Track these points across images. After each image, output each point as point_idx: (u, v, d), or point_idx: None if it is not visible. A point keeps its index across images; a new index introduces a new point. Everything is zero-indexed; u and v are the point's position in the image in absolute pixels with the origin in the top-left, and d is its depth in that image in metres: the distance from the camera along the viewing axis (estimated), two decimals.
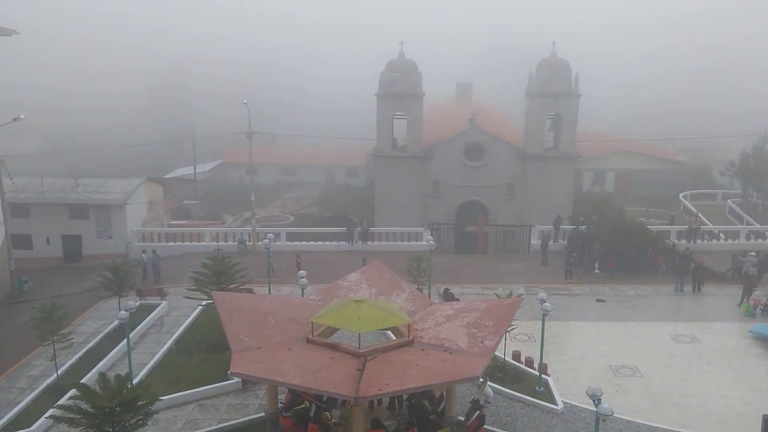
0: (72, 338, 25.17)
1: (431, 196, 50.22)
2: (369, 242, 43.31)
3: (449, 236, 45.30)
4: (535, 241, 42.64)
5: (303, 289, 26.80)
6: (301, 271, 27.40)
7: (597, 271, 37.88)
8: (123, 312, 23.78)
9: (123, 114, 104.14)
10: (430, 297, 27.82)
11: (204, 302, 28.42)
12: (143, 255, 38.30)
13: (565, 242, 41.34)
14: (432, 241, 32.52)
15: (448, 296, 30.94)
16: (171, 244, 42.74)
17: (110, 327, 28.52)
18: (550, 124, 51.25)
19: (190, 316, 29.33)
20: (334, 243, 43.47)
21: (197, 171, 71.34)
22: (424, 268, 31.12)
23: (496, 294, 26.21)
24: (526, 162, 49.59)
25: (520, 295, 28.73)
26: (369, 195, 56.08)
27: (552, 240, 42.30)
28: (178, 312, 30.58)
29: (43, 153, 73.09)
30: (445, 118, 57.75)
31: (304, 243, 43.21)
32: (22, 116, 36.53)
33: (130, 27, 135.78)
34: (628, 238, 37.86)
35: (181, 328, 28.04)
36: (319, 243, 43.50)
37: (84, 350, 26.24)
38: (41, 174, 44.23)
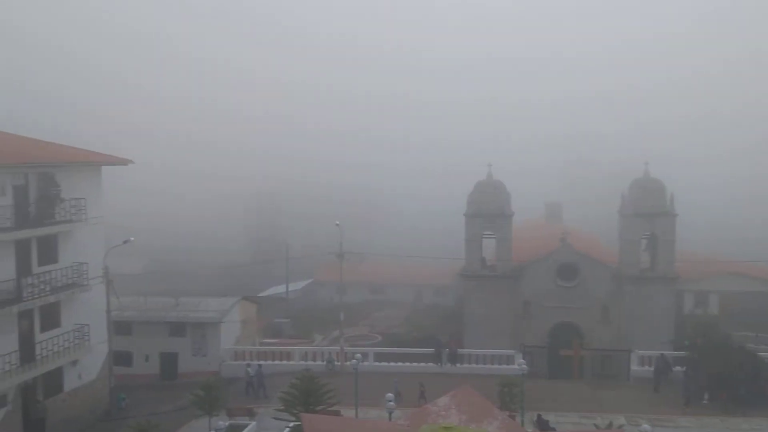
0: None
1: (522, 317, 49.02)
2: (458, 364, 42.32)
3: (542, 360, 43.70)
4: (636, 367, 40.43)
5: (390, 414, 26.27)
6: (389, 394, 27.00)
7: (705, 401, 35.25)
8: None
9: (220, 236, 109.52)
10: (523, 425, 26.60)
11: (292, 424, 28.26)
12: (248, 369, 39.05)
13: (682, 368, 38.59)
14: (524, 365, 31.49)
15: (542, 425, 29.49)
16: (262, 362, 43.21)
17: None
18: (645, 245, 49.79)
19: None
20: (422, 364, 42.71)
21: (289, 290, 72.93)
22: (516, 393, 29.97)
23: (594, 425, 24.82)
24: (621, 283, 47.98)
25: (621, 426, 27.02)
26: (458, 315, 55.37)
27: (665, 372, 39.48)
28: None
29: (149, 273, 77.17)
30: (535, 237, 57.28)
31: (392, 364, 42.68)
32: (132, 238, 39.18)
33: (226, 150, 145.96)
34: (739, 365, 35.30)
35: None
36: (407, 364, 42.83)
37: None
38: (145, 293, 46.53)
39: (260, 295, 67.85)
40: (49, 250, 32.70)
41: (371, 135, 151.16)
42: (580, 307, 48.15)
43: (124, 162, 38.11)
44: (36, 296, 30.72)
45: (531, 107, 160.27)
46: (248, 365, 39.70)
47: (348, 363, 40.04)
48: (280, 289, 74.60)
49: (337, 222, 43.37)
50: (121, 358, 41.73)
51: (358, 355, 35.66)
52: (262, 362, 41.20)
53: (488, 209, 49.15)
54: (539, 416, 30.59)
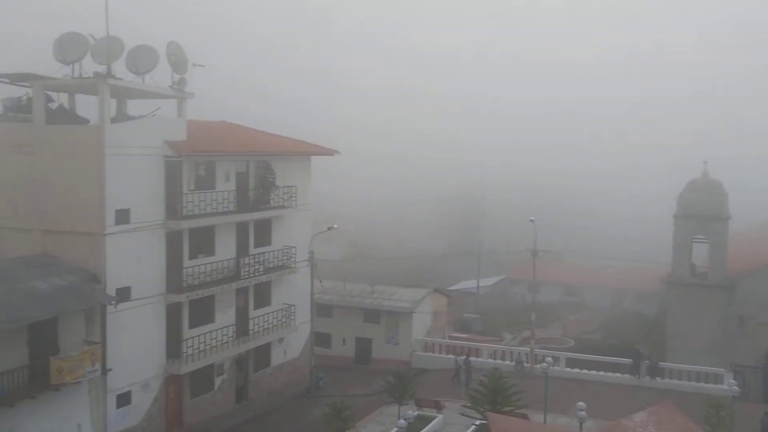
0: None
1: (735, 333, 44.56)
2: (657, 378, 39.54)
3: (757, 382, 39.45)
4: None
5: (581, 423, 25.26)
6: (580, 403, 25.95)
7: None
8: (402, 421, 24.76)
9: (417, 226, 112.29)
10: None
11: (478, 421, 28.23)
12: (457, 359, 40.26)
13: None
14: (735, 386, 28.67)
15: None
16: (449, 356, 43.68)
17: None
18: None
19: None
20: (618, 375, 40.49)
21: (480, 285, 72.89)
22: (724, 416, 27.31)
23: None
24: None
25: None
26: (660, 325, 51.82)
27: None
28: (452, 428, 30.75)
29: (348, 260, 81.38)
30: (754, 246, 51.83)
31: (584, 371, 40.97)
32: (336, 225, 41.45)
33: (429, 139, 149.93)
34: None
35: None
36: (601, 373, 40.82)
37: None
38: (344, 279, 49.04)
39: (451, 288, 68.57)
40: (264, 233, 35.68)
41: (573, 140, 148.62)
42: None
43: (331, 153, 40.41)
44: (252, 275, 33.66)
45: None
46: (456, 357, 40.84)
47: (538, 366, 39.15)
48: (470, 283, 74.87)
49: (532, 218, 42.38)
50: (321, 339, 44.43)
51: (549, 359, 34.70)
52: (436, 356, 42.11)
53: (702, 210, 45.36)
54: None
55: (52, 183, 27.41)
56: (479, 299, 69.82)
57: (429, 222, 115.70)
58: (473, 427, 29.28)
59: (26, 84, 28.72)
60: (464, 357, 40.49)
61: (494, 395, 27.20)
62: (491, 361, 41.65)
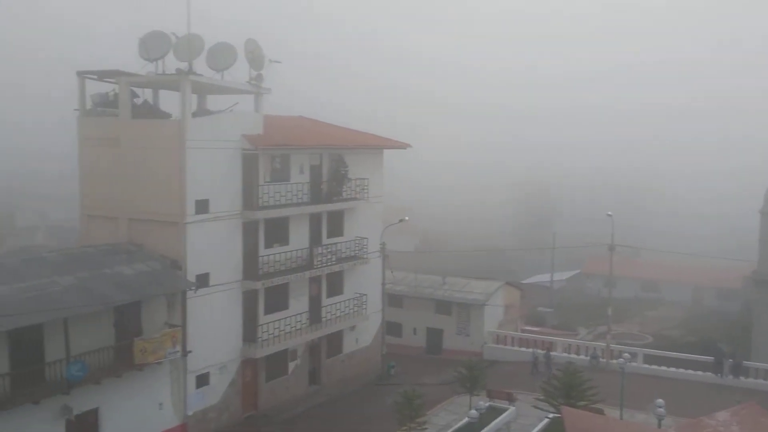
0: (426, 428, 26.83)
1: None
2: (741, 377, 37.91)
3: None
4: None
5: (660, 420, 24.57)
6: (659, 400, 25.24)
7: None
8: (473, 411, 24.75)
9: (489, 219, 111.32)
10: None
11: (551, 415, 27.86)
12: (534, 351, 40.36)
13: None
14: None
15: None
16: (522, 349, 43.21)
17: (460, 423, 29.52)
18: None
19: (536, 426, 28.87)
20: (699, 373, 39.04)
21: (554, 279, 71.66)
22: None
23: None
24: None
25: None
26: (745, 323, 49.64)
27: None
28: (525, 420, 30.45)
29: (420, 251, 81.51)
30: None
31: (663, 368, 39.74)
32: (407, 218, 41.60)
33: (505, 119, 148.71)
34: None
35: None
36: (680, 370, 39.49)
37: None
38: (415, 270, 49.20)
39: (524, 281, 67.72)
40: (336, 224, 36.24)
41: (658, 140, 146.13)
42: None
43: (403, 146, 40.53)
44: (324, 264, 34.27)
45: None
46: (533, 350, 40.85)
47: (614, 361, 38.24)
48: (544, 277, 73.71)
49: (609, 212, 41.32)
50: (392, 328, 44.80)
51: (626, 354, 33.83)
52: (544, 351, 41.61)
53: None
54: None
55: (137, 174, 28.71)
56: (553, 293, 68.67)
57: (501, 209, 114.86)
58: (546, 420, 28.91)
59: (113, 80, 30.16)
60: (545, 351, 40.13)
61: (568, 389, 26.76)
62: (565, 355, 40.97)
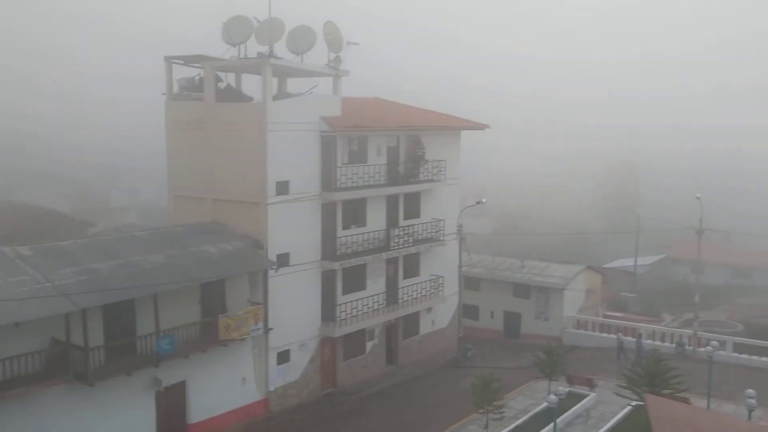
0: (504, 411, 26.64)
1: None
2: None
3: None
4: None
5: (750, 412, 23.51)
6: (750, 390, 24.11)
7: None
8: (552, 396, 24.37)
9: (571, 201, 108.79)
10: None
11: (633, 403, 27.12)
12: (618, 336, 39.56)
13: None
14: None
15: None
16: (604, 335, 42.16)
17: (538, 408, 29.24)
18: None
19: (617, 414, 28.24)
20: None
21: (638, 264, 69.44)
22: None
23: None
24: None
25: None
26: None
27: None
28: (605, 407, 29.78)
29: (497, 234, 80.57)
30: None
31: (754, 357, 37.94)
32: (484, 200, 41.15)
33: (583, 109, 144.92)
34: None
35: (607, 426, 27.14)
36: None
37: (512, 426, 27.40)
38: (493, 253, 48.69)
39: (606, 266, 65.86)
40: (413, 206, 36.22)
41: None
42: None
43: (481, 127, 39.97)
44: (401, 246, 34.38)
45: None
46: (618, 335, 39.97)
47: (701, 349, 36.82)
48: (627, 262, 71.53)
49: (698, 195, 39.54)
50: (468, 311, 44.59)
51: (715, 342, 32.40)
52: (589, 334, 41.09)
53: None
54: None
55: (220, 156, 29.58)
56: (637, 278, 66.59)
57: (583, 194, 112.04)
58: (629, 407, 28.18)
59: (198, 65, 31.08)
60: (636, 337, 38.97)
61: (652, 377, 25.93)
62: (649, 342, 39.71)
